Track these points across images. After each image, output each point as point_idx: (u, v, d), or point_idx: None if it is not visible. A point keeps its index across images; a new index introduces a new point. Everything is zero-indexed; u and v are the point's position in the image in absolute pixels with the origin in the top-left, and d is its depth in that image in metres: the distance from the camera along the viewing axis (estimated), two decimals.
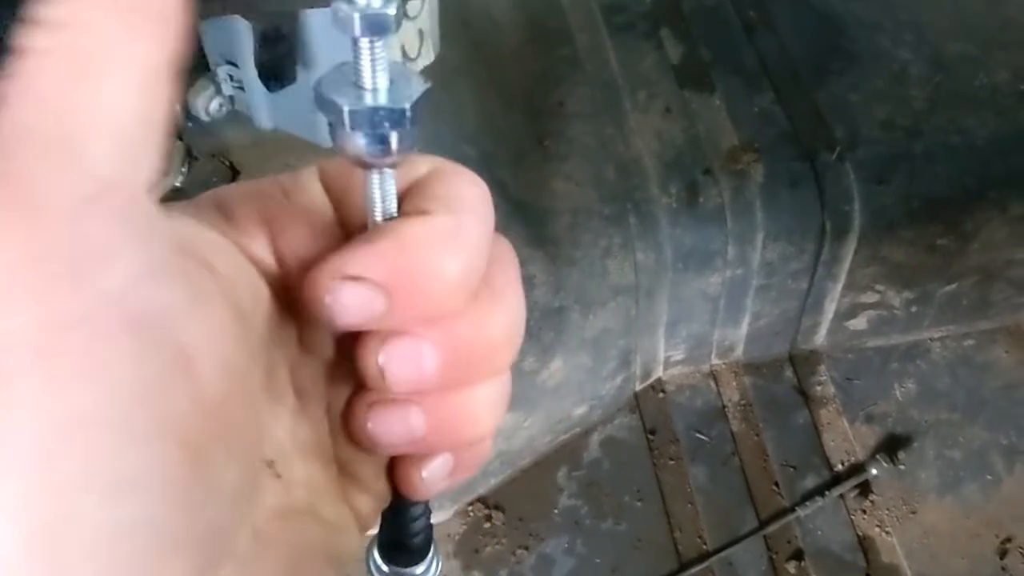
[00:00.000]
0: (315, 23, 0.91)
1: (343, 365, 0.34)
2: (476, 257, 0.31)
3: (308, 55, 1.00)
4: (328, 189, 0.34)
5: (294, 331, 0.33)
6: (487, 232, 0.32)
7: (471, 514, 1.62)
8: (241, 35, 1.01)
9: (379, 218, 0.31)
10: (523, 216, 1.48)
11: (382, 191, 0.31)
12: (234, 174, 1.31)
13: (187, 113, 1.11)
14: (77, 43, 0.24)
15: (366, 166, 0.31)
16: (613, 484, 1.68)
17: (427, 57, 1.32)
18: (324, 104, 0.29)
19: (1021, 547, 1.58)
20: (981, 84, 1.63)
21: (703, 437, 1.72)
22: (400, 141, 0.30)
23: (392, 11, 0.28)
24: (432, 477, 0.35)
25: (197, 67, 1.08)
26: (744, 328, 1.73)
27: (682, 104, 1.65)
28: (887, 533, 1.60)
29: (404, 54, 1.23)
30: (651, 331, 1.65)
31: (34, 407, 0.23)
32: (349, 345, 0.32)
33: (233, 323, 0.28)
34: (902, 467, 1.66)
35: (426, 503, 0.38)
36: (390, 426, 0.33)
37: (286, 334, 0.32)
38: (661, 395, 1.77)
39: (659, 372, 1.77)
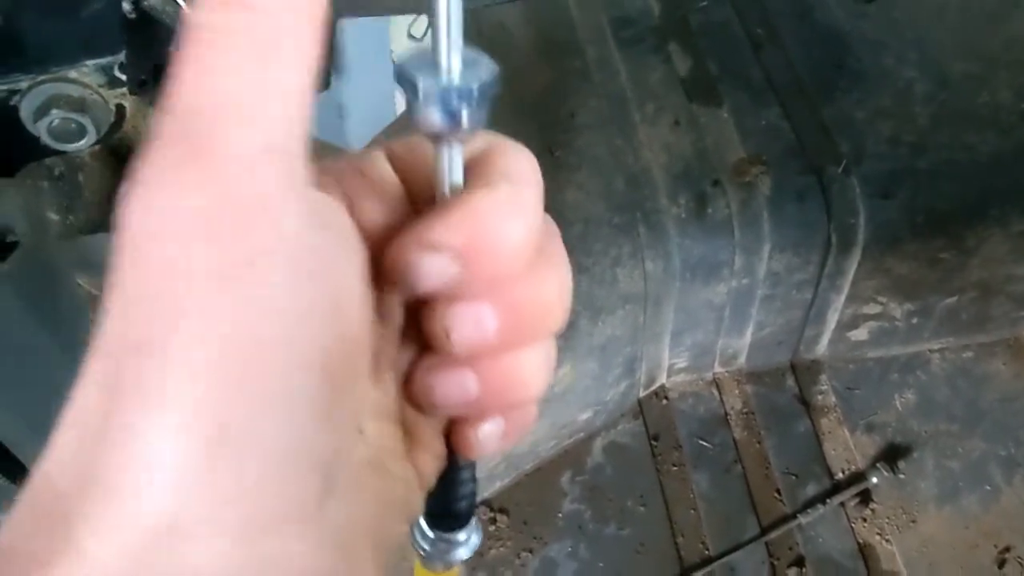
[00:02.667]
0: (348, 31, 0.93)
1: (410, 332, 0.37)
2: (535, 222, 0.34)
3: (340, 65, 1.02)
4: (395, 166, 0.37)
5: (370, 299, 0.36)
6: (541, 201, 0.35)
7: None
8: None
9: (447, 189, 0.34)
10: None
11: (451, 164, 0.34)
12: None
13: None
14: (258, 23, 0.28)
15: (437, 140, 0.34)
16: (616, 489, 1.70)
17: None
18: (403, 80, 0.32)
19: (1020, 557, 1.61)
20: (984, 102, 1.66)
21: (706, 444, 1.74)
22: (470, 118, 0.33)
23: None
24: (486, 437, 0.38)
25: None
26: (748, 337, 1.75)
27: (690, 117, 1.68)
28: (887, 541, 1.63)
29: None
30: (657, 339, 1.67)
31: (213, 329, 0.26)
32: (416, 312, 0.36)
33: (363, 275, 0.32)
34: (902, 476, 1.69)
35: (473, 472, 0.41)
36: (447, 388, 0.36)
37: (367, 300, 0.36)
38: (664, 402, 1.79)
39: (663, 379, 1.79)
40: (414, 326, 0.36)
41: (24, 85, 0.82)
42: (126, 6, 0.85)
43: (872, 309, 1.73)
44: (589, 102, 1.69)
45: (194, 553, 0.25)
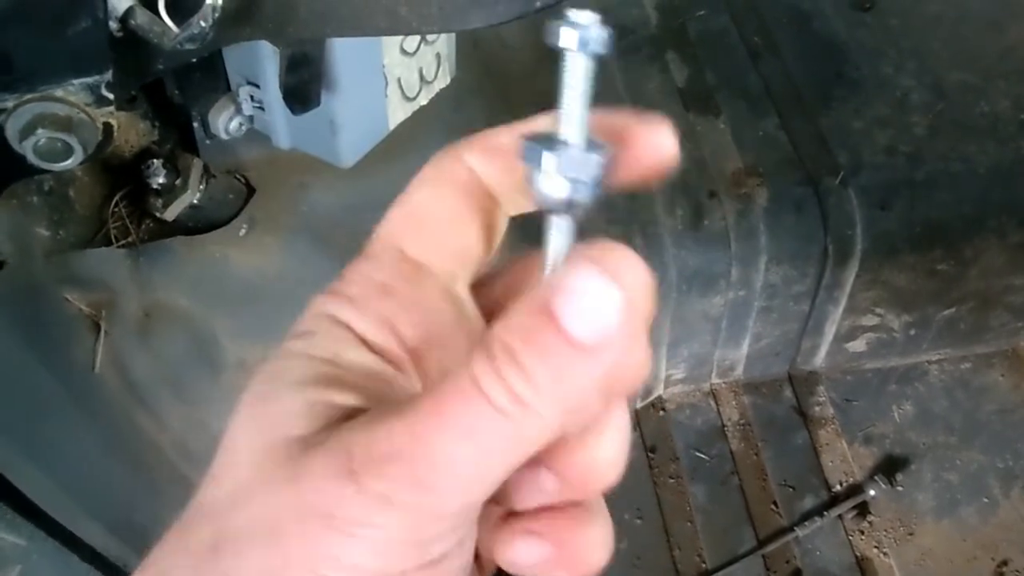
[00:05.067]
0: (340, 47, 0.92)
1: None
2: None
3: (331, 80, 1.01)
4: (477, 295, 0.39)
5: None
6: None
7: None
8: (264, 57, 1.02)
9: (555, 264, 0.35)
10: (530, 235, 1.49)
11: (560, 237, 0.34)
12: (250, 191, 1.32)
13: (206, 131, 1.12)
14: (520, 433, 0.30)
15: (550, 211, 0.34)
16: (612, 501, 1.65)
17: (444, 79, 1.33)
18: (528, 151, 0.33)
19: (1018, 571, 1.60)
20: (982, 112, 1.66)
21: (703, 456, 1.74)
22: (590, 192, 0.33)
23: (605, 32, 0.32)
24: None
25: (218, 87, 1.09)
26: (745, 349, 1.74)
27: (687, 127, 1.67)
28: (884, 554, 1.62)
29: (422, 77, 1.24)
30: (653, 350, 1.66)
31: None
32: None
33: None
34: (900, 489, 1.68)
35: None
36: None
37: None
38: (661, 413, 1.78)
39: (660, 390, 1.79)
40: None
41: (9, 104, 0.81)
42: (113, 25, 0.84)
43: (870, 320, 1.72)
44: None
45: None
